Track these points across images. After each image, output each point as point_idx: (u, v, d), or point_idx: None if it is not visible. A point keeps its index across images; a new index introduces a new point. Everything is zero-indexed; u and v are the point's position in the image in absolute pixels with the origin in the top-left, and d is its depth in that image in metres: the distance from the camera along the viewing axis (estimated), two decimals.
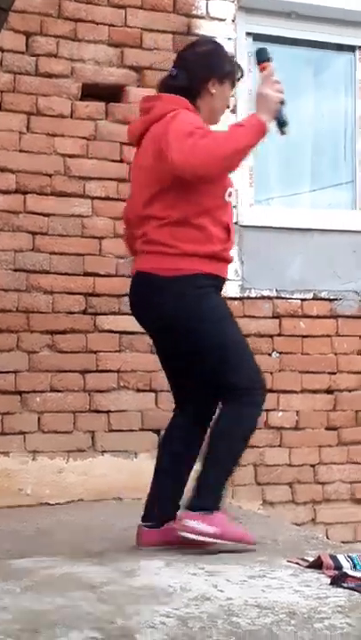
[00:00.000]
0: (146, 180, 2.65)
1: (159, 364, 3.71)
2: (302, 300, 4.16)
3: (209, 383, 2.69)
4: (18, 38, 3.70)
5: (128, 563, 2.45)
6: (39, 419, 3.66)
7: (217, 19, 4.05)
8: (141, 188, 2.68)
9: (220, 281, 2.73)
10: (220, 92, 2.74)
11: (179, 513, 2.62)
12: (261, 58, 2.66)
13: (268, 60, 2.65)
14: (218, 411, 2.70)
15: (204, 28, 4.01)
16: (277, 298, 4.11)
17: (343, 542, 3.89)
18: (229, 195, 2.69)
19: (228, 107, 2.85)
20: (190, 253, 2.60)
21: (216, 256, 2.65)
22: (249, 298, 4.06)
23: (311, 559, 2.45)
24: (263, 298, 4.08)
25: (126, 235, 2.88)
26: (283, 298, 4.12)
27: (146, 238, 2.65)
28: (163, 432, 2.91)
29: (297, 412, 4.08)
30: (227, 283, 3.86)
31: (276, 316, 4.10)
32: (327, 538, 3.90)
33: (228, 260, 2.75)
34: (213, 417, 2.72)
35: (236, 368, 2.65)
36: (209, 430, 2.70)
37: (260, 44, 4.25)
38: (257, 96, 2.61)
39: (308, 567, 2.39)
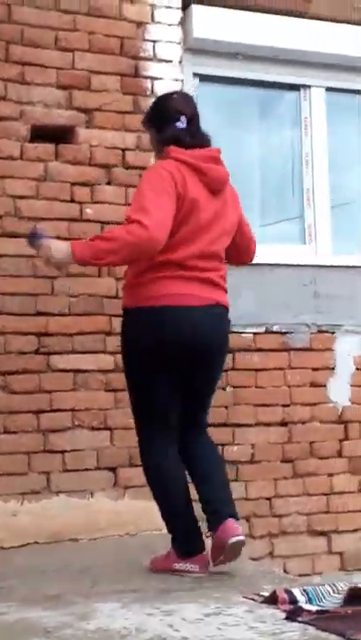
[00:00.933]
0: (229, 229, 3.04)
1: (113, 401, 3.75)
2: (255, 333, 4.21)
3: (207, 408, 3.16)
4: None
5: (83, 605, 2.44)
6: None
7: (164, 60, 4.12)
8: (223, 233, 3.00)
9: None
10: None
11: (231, 521, 2.85)
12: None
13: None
14: (208, 440, 3.12)
15: (152, 70, 4.08)
16: (230, 332, 4.13)
17: (301, 575, 3.92)
18: None
19: None
20: None
21: None
22: None
23: (267, 594, 2.46)
24: None
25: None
26: (236, 332, 4.14)
27: (223, 276, 3.01)
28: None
29: (252, 445, 4.10)
30: None
31: (230, 351, 4.12)
32: (285, 571, 3.92)
33: None
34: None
35: None
36: (215, 456, 3.11)
37: (207, 85, 4.39)
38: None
39: (264, 602, 2.41)
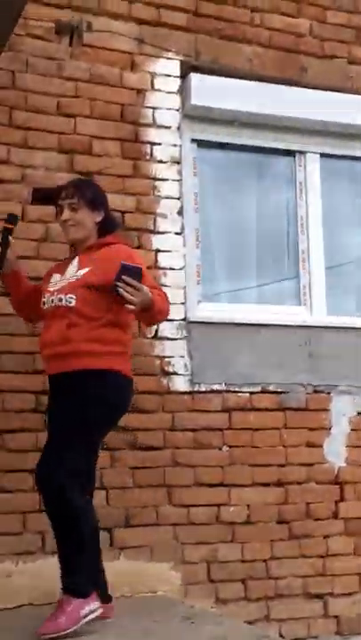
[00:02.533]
0: None
1: (110, 460, 3.76)
2: (251, 393, 4.23)
3: None
4: None
5: None
6: None
7: (163, 126, 4.23)
8: None
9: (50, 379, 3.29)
10: None
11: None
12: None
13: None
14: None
15: (151, 135, 4.20)
16: (227, 391, 4.17)
17: (297, 639, 3.86)
18: (43, 304, 3.26)
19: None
20: None
21: None
22: (198, 392, 4.11)
23: None
24: (213, 392, 4.14)
25: None
26: (232, 391, 4.18)
27: None
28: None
29: (248, 505, 4.08)
30: (176, 377, 4.03)
31: (226, 410, 4.16)
32: (281, 635, 3.88)
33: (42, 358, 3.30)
34: None
35: None
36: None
37: (204, 151, 4.50)
38: None
39: None
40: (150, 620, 3.04)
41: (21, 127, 3.93)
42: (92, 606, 2.97)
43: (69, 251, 3.46)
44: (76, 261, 3.26)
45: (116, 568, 3.67)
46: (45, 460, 3.07)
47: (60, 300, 3.16)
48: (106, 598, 3.14)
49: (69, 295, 3.15)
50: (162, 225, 4.15)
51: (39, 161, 3.94)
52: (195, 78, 4.33)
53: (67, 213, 3.27)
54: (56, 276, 3.30)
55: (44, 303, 3.25)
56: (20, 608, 3.50)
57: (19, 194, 3.89)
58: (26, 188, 3.90)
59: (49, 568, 3.60)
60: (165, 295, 3.22)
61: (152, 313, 3.11)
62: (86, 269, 3.18)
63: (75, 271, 3.21)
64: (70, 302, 3.13)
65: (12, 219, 3.34)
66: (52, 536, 3.61)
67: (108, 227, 3.33)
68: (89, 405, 3.06)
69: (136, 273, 2.98)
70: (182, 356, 4.11)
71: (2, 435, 3.69)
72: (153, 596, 3.50)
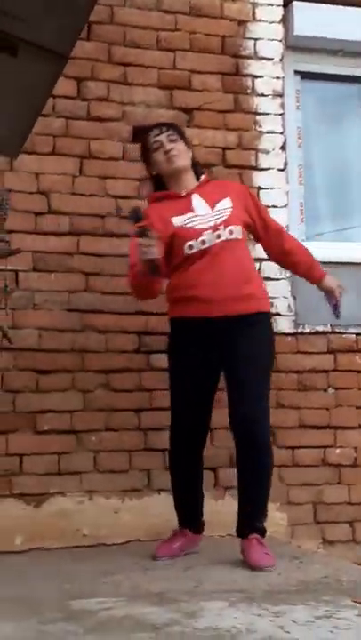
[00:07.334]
0: None
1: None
2: (357, 334, 4.11)
3: None
4: (69, 84, 3.77)
5: (189, 603, 2.42)
6: (95, 458, 3.66)
7: (265, 58, 4.09)
8: None
9: (186, 321, 3.15)
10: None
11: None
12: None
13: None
14: None
15: (252, 68, 4.06)
16: (332, 333, 4.07)
17: None
18: (190, 247, 3.10)
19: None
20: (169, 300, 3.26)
21: (181, 300, 3.15)
22: (303, 333, 4.02)
23: None
24: (317, 333, 4.05)
25: None
26: (337, 333, 4.07)
27: None
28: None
29: (355, 448, 4.00)
30: (280, 318, 3.94)
31: (331, 352, 4.06)
32: None
33: (196, 300, 3.10)
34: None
35: None
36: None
37: (307, 82, 4.33)
38: None
39: None
40: None
41: (120, 63, 3.86)
42: None
43: (166, 190, 3.23)
44: (197, 198, 3.17)
45: (222, 507, 3.67)
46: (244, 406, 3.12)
47: (232, 232, 3.12)
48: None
49: (230, 228, 3.12)
50: (264, 161, 4.03)
51: (139, 97, 3.88)
52: (298, 7, 4.15)
53: (168, 145, 3.21)
54: (179, 218, 3.11)
55: (190, 247, 3.08)
56: (127, 544, 3.55)
57: (119, 132, 3.83)
58: (126, 125, 3.84)
59: (155, 505, 3.65)
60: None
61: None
62: (225, 202, 3.17)
63: (211, 205, 3.15)
64: (240, 235, 3.15)
65: (136, 215, 2.94)
66: (157, 474, 3.66)
67: (197, 168, 3.31)
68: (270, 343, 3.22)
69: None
70: (286, 297, 4.02)
71: (107, 374, 3.72)
72: None
